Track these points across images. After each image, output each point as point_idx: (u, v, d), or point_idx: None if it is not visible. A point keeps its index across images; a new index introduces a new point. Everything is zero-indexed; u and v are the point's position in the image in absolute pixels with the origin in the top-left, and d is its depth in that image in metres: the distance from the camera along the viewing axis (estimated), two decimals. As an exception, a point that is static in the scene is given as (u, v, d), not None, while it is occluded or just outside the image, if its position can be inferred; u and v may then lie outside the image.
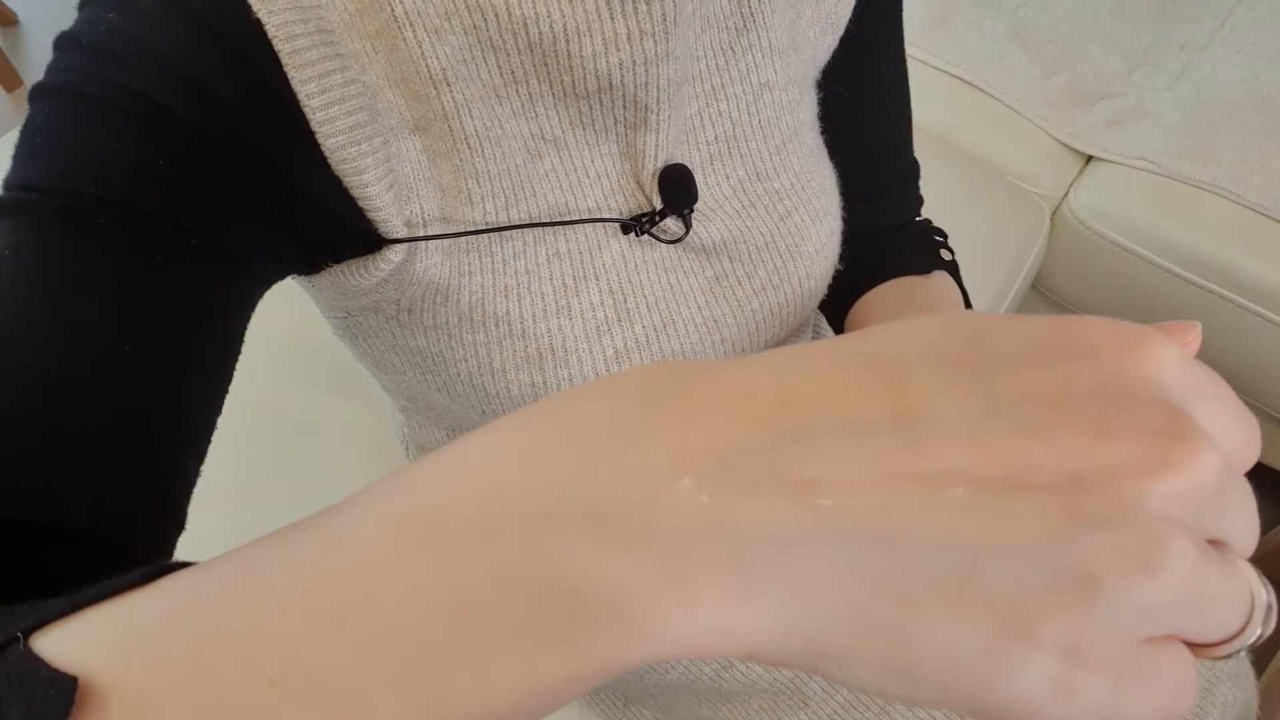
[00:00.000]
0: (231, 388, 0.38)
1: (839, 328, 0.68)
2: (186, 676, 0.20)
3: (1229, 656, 0.19)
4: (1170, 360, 0.18)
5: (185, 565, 0.23)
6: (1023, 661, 0.17)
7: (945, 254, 0.65)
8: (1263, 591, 0.19)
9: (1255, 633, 0.19)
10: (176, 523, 0.36)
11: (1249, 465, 0.19)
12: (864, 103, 0.60)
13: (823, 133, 0.58)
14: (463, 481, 0.19)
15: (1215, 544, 0.18)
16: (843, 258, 0.62)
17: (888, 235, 0.66)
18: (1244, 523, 0.19)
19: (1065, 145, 1.25)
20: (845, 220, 0.60)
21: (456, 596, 0.18)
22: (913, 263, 0.65)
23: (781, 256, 0.54)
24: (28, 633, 0.22)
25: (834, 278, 0.63)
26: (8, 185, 0.35)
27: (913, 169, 0.68)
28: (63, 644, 0.22)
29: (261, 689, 0.19)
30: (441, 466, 0.20)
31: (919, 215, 0.69)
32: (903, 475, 0.17)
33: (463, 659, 0.18)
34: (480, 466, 0.20)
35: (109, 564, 0.33)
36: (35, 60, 2.05)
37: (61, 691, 0.20)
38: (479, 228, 0.44)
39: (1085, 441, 0.17)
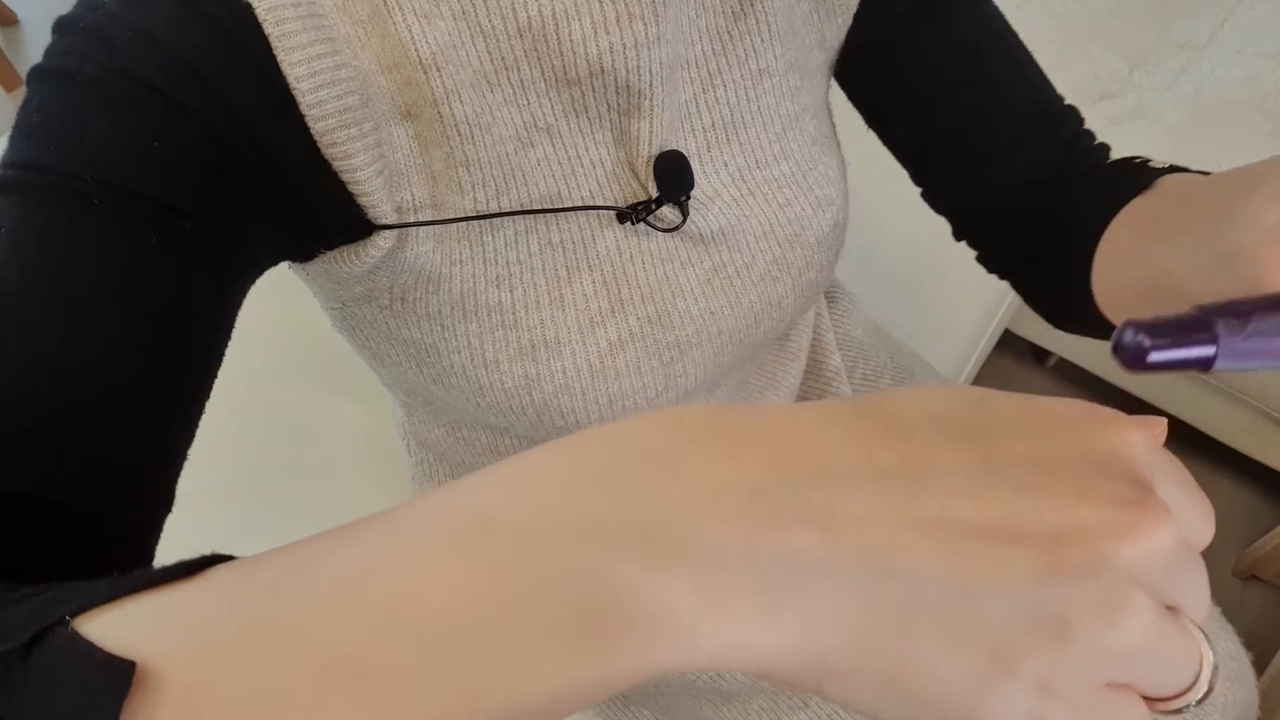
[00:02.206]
0: (230, 386, 0.38)
1: (1081, 310, 0.53)
2: (238, 662, 0.21)
3: (1179, 712, 0.22)
4: (1141, 442, 0.22)
5: (228, 558, 0.24)
6: (1005, 691, 0.20)
7: (1158, 164, 0.53)
8: (1210, 654, 0.22)
9: (1203, 690, 0.22)
10: (165, 502, 0.36)
11: (1203, 544, 0.22)
12: (928, 66, 0.54)
13: (901, 114, 0.54)
14: (513, 494, 0.21)
15: (1172, 611, 0.21)
16: (1005, 235, 0.56)
17: (1066, 190, 0.55)
18: (1197, 592, 0.22)
19: (1065, 145, 1.25)
20: (999, 179, 0.54)
21: (504, 598, 0.20)
22: (1125, 188, 0.51)
23: (781, 246, 0.53)
24: (71, 617, 0.23)
25: (1019, 257, 0.58)
26: (4, 165, 0.35)
27: (1059, 116, 0.57)
28: (111, 629, 0.23)
29: (313, 675, 0.20)
30: (494, 480, 0.22)
31: (1107, 159, 0.57)
32: (912, 517, 0.20)
33: (506, 657, 0.20)
34: (530, 481, 0.21)
35: (99, 541, 0.33)
36: (35, 60, 2.05)
37: (118, 675, 0.21)
38: (469, 215, 0.44)
39: (1068, 503, 0.20)
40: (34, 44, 2.10)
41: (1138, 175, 0.51)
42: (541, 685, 0.19)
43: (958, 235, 0.61)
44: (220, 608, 0.22)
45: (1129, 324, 0.23)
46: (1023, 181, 0.55)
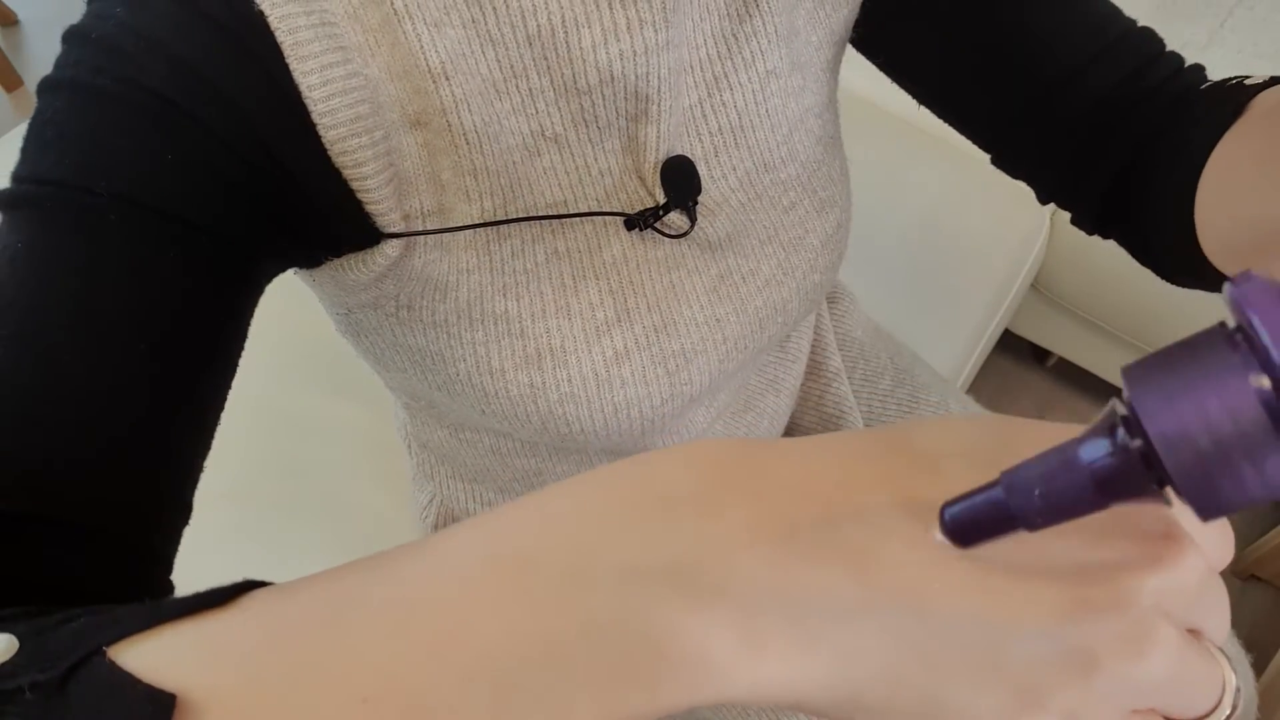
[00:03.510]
0: (232, 387, 0.39)
1: (1197, 264, 0.45)
2: (280, 694, 0.21)
3: None
4: None
5: (263, 584, 0.25)
6: None
7: (1254, 80, 0.44)
8: (1233, 676, 0.22)
9: (1225, 712, 0.22)
10: (183, 515, 0.36)
11: (1223, 565, 0.23)
12: (964, 9, 0.50)
13: (954, 76, 0.51)
14: (554, 532, 0.21)
15: (1194, 633, 0.22)
16: (1095, 183, 0.49)
17: (1155, 121, 0.48)
18: (1219, 616, 0.22)
19: (1065, 145, 1.25)
20: (1075, 102, 0.49)
21: (549, 638, 0.20)
22: (1221, 115, 0.43)
23: (785, 250, 0.53)
24: (108, 646, 0.23)
25: (1119, 207, 0.51)
26: (17, 178, 0.35)
27: (1126, 37, 0.49)
28: (149, 659, 0.23)
29: (355, 708, 0.21)
30: (534, 516, 0.22)
31: (1201, 82, 0.48)
32: (941, 557, 0.20)
33: (550, 694, 0.20)
34: (571, 520, 0.22)
35: (119, 555, 0.34)
36: (35, 60, 2.05)
37: (159, 707, 0.21)
38: (476, 223, 0.44)
39: (1092, 539, 0.20)
40: (34, 44, 2.10)
41: (1233, 96, 0.44)
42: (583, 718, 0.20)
43: (1044, 197, 0.55)
44: (261, 639, 0.23)
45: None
46: (1103, 102, 0.49)
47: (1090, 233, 0.54)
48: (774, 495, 0.21)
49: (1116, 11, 0.50)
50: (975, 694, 0.20)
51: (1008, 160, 0.55)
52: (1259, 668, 1.17)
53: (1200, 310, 1.19)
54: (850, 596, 0.20)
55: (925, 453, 0.22)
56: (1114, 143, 0.49)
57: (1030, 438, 0.22)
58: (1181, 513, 0.21)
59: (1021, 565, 0.20)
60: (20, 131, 0.36)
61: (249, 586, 0.25)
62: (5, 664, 0.23)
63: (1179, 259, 0.47)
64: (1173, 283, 0.52)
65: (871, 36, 0.55)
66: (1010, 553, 0.20)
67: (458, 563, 0.22)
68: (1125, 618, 0.20)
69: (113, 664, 0.22)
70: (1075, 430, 0.21)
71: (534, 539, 0.22)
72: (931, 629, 0.20)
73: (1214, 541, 0.22)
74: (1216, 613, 0.22)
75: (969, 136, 0.55)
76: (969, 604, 0.20)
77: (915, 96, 0.56)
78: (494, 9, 0.40)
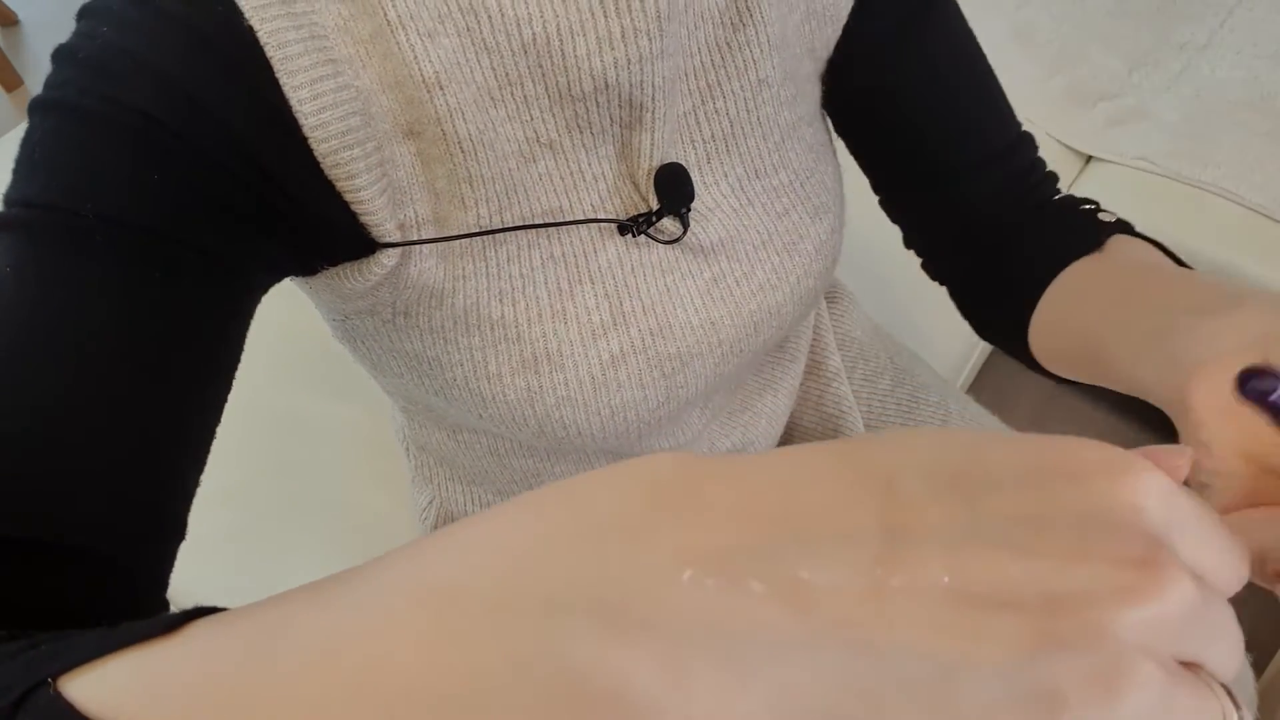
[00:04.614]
0: (227, 401, 0.39)
1: (1010, 336, 0.57)
2: None
3: None
4: (1154, 491, 0.19)
5: (209, 611, 0.24)
6: None
7: (1106, 216, 0.55)
8: (1234, 713, 0.19)
9: None
10: (178, 534, 0.36)
11: (1233, 587, 0.20)
12: (908, 81, 0.55)
13: (873, 126, 0.56)
14: (478, 562, 0.21)
15: (1192, 666, 0.19)
16: (956, 253, 0.58)
17: (1017, 223, 0.57)
18: (1222, 647, 0.19)
19: (1065, 145, 1.25)
20: (937, 210, 0.57)
21: (470, 673, 0.19)
22: (1075, 243, 0.54)
23: (779, 255, 0.53)
24: (55, 676, 0.23)
25: (963, 276, 0.61)
26: (7, 201, 0.35)
27: (1017, 143, 0.58)
28: (92, 690, 0.23)
29: None
30: (459, 544, 0.21)
31: (1055, 193, 0.59)
32: (886, 588, 0.18)
33: None
34: (496, 548, 0.21)
35: (114, 582, 0.34)
36: (35, 60, 2.05)
37: None
38: (472, 231, 0.44)
39: (1061, 564, 0.18)
40: (34, 44, 2.10)
41: (1087, 230, 0.54)
42: None
43: (908, 244, 0.63)
44: (196, 673, 0.22)
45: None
46: (981, 201, 0.57)
47: (933, 279, 0.64)
48: (709, 520, 0.19)
49: (1013, 115, 0.58)
50: None
51: (888, 205, 0.62)
52: (1259, 668, 1.17)
53: (1200, 310, 1.18)
54: (785, 630, 0.18)
55: (879, 471, 0.20)
56: (983, 226, 0.57)
57: (997, 453, 0.20)
58: (1179, 536, 0.19)
59: (975, 595, 0.18)
60: (19, 132, 0.36)
61: (200, 613, 0.24)
62: None
63: (998, 331, 0.59)
64: (983, 338, 0.64)
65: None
66: (961, 582, 0.18)
67: (385, 592, 0.21)
68: (1096, 653, 0.18)
69: (57, 695, 0.22)
70: (1050, 443, 0.20)
71: (461, 568, 0.21)
72: (874, 666, 0.18)
73: (1212, 565, 0.20)
74: (1216, 643, 0.19)
75: (865, 173, 0.61)
76: (914, 638, 0.18)
77: (830, 116, 0.60)
78: (489, 18, 0.40)
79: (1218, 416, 0.32)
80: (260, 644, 0.22)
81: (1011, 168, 0.58)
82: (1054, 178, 0.59)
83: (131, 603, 0.34)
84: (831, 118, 0.59)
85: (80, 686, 0.23)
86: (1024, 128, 0.58)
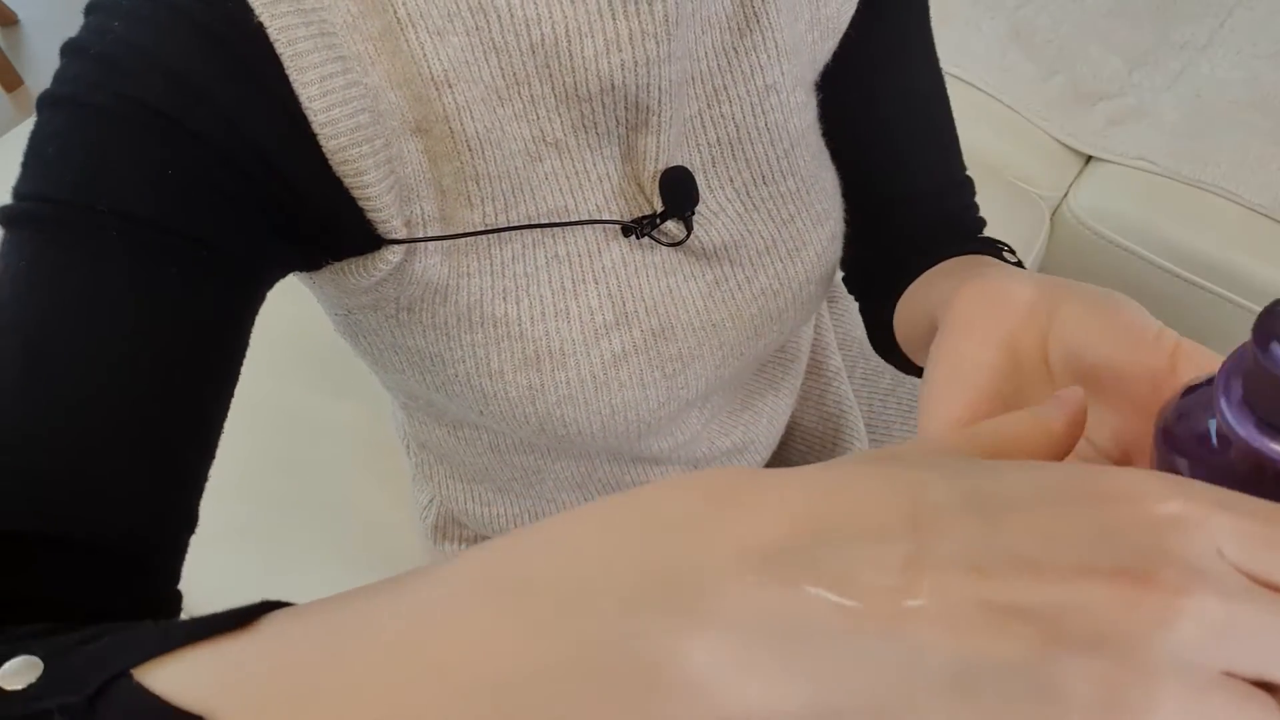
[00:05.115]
0: (234, 395, 0.39)
1: (891, 349, 0.61)
2: (294, 718, 0.22)
3: None
4: (1178, 512, 0.20)
5: (274, 605, 0.25)
6: None
7: (1007, 254, 0.57)
8: None
9: None
10: (190, 525, 0.37)
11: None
12: (870, 108, 0.57)
13: (824, 135, 0.57)
14: (551, 559, 0.22)
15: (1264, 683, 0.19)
16: (861, 284, 0.60)
17: (953, 238, 0.60)
18: (1270, 647, 0.19)
19: (1065, 145, 1.25)
20: (905, 222, 0.58)
21: (544, 662, 0.21)
22: (951, 251, 0.57)
23: (783, 261, 0.53)
24: (130, 669, 0.24)
25: (867, 294, 0.64)
26: (19, 195, 0.35)
27: (967, 181, 0.61)
28: (175, 682, 0.23)
29: None
30: (528, 544, 0.23)
31: (973, 243, 0.60)
32: (913, 587, 0.20)
33: (548, 715, 0.21)
34: (566, 547, 0.22)
35: (132, 574, 0.34)
36: (35, 60, 2.05)
37: None
38: (478, 229, 0.44)
39: (1071, 578, 0.19)
40: (34, 44, 2.11)
41: (965, 243, 0.59)
42: None
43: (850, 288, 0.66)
44: (276, 666, 0.23)
45: None
46: (920, 231, 0.59)
47: (849, 292, 0.68)
48: (763, 519, 0.21)
49: (958, 162, 0.61)
50: None
51: None
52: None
53: (1200, 312, 1.19)
54: (829, 624, 0.20)
55: (909, 481, 0.21)
56: (912, 252, 0.58)
57: (1021, 472, 0.21)
58: (1219, 538, 0.19)
59: (994, 601, 0.19)
60: (20, 131, 0.37)
61: (268, 607, 0.25)
62: (33, 685, 0.24)
63: (882, 345, 0.64)
64: (883, 358, 0.67)
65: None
66: (982, 588, 0.19)
67: (459, 587, 0.23)
68: (1106, 659, 0.18)
69: (141, 686, 0.23)
70: (1075, 467, 0.21)
71: (534, 565, 0.22)
72: (903, 657, 0.19)
73: (1268, 567, 0.19)
74: (1260, 646, 0.19)
75: None
76: (937, 636, 0.19)
77: None
78: (498, 18, 0.40)
79: (978, 302, 0.34)
80: (336, 639, 0.23)
81: (955, 202, 0.61)
82: (983, 223, 0.62)
83: (143, 593, 0.34)
84: None
85: (160, 679, 0.23)
86: (967, 173, 0.61)
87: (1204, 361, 0.30)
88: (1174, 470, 0.24)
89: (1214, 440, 0.23)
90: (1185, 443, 0.24)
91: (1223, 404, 0.22)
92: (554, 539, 0.22)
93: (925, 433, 0.33)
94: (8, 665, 0.24)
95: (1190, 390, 0.25)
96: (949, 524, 0.20)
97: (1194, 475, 0.23)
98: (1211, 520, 0.19)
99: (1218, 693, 0.19)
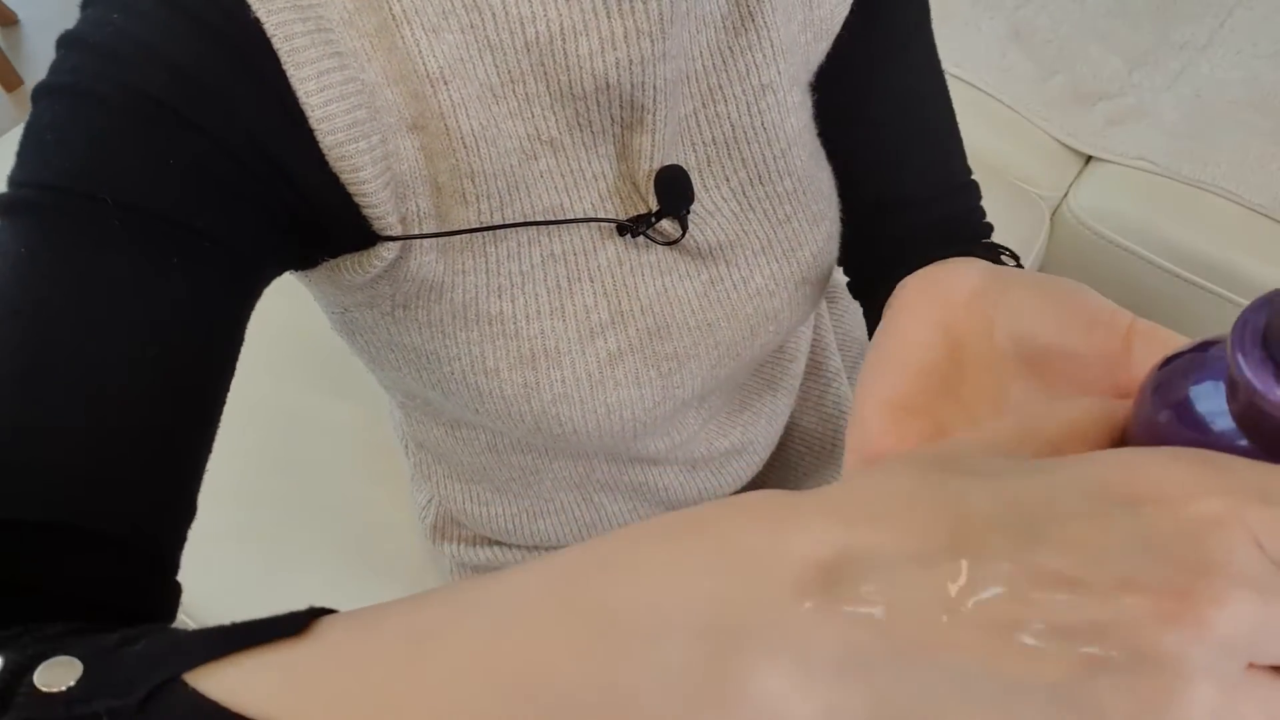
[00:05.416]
0: (231, 386, 0.39)
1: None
2: None
3: None
4: (1216, 515, 0.19)
5: (330, 612, 0.25)
6: None
7: (1005, 257, 0.56)
8: None
9: None
10: (190, 516, 0.37)
11: None
12: (863, 109, 0.57)
13: (819, 135, 0.57)
14: (627, 587, 0.23)
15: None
16: (867, 275, 0.58)
17: (956, 241, 0.57)
18: None
19: (1065, 145, 1.25)
20: (905, 225, 0.57)
21: (624, 687, 0.21)
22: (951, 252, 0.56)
23: (779, 260, 0.53)
24: (181, 674, 0.23)
25: (866, 294, 0.62)
26: (17, 183, 0.35)
27: (971, 184, 0.59)
28: (230, 690, 0.23)
29: None
30: (599, 563, 0.23)
31: (988, 235, 0.59)
32: (953, 610, 0.20)
33: None
34: (637, 571, 0.23)
35: (135, 564, 0.34)
36: (35, 60, 2.05)
37: None
38: (473, 226, 0.44)
39: (1110, 594, 0.19)
40: (34, 44, 2.11)
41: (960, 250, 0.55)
42: None
43: (840, 259, 0.63)
44: (346, 674, 0.23)
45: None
46: (923, 233, 0.58)
47: (855, 297, 0.64)
48: (820, 546, 0.22)
49: (963, 165, 0.59)
50: None
51: None
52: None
53: (1200, 312, 1.19)
54: (878, 648, 0.20)
55: (952, 496, 0.22)
56: (915, 254, 0.55)
57: (1065, 475, 0.21)
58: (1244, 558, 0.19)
59: (1033, 621, 0.20)
60: (20, 131, 0.36)
61: (318, 613, 0.25)
62: (74, 688, 0.23)
63: None
64: None
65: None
66: (1022, 608, 0.20)
67: (533, 605, 0.23)
68: (1140, 676, 0.19)
69: (196, 692, 0.22)
70: (1115, 465, 0.20)
71: (609, 589, 0.23)
72: (945, 683, 0.20)
73: None
74: None
75: None
76: (976, 660, 0.20)
77: None
78: (493, 15, 0.40)
79: (920, 288, 0.34)
80: (406, 650, 0.23)
81: (960, 206, 0.59)
82: (990, 228, 0.60)
83: (148, 584, 0.34)
84: None
85: (214, 684, 0.23)
86: (972, 177, 0.60)
87: (1162, 339, 0.30)
88: (1159, 433, 0.24)
89: (1219, 398, 0.22)
90: (1181, 402, 0.23)
91: (1240, 357, 0.21)
92: (629, 565, 0.23)
93: (861, 413, 0.34)
94: (44, 665, 0.24)
95: (1174, 358, 0.24)
96: (990, 543, 0.20)
97: (1183, 434, 0.23)
98: (1250, 516, 0.19)
99: (1246, 688, 0.19)
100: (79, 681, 0.23)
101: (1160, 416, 0.24)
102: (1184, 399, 0.23)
